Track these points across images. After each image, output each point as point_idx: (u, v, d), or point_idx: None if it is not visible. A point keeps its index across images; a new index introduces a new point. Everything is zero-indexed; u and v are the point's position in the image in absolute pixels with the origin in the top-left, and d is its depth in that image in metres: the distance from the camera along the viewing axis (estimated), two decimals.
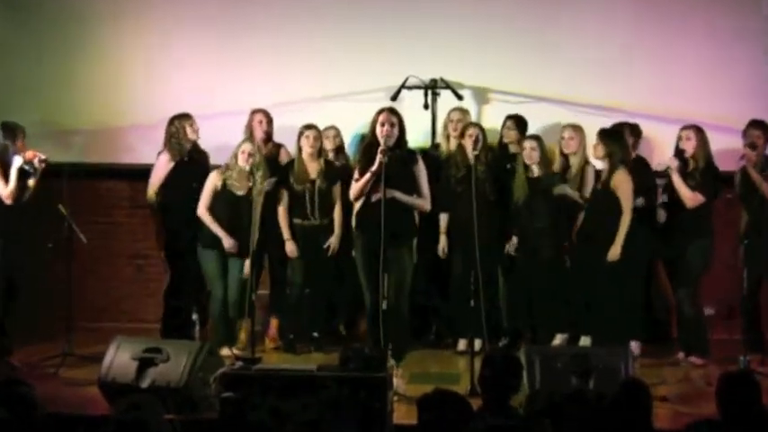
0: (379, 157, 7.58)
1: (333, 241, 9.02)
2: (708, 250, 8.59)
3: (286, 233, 9.03)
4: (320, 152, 9.08)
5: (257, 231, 8.69)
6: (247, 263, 8.72)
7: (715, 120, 9.16)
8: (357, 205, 8.05)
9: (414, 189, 7.87)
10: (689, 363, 8.56)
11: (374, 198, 7.70)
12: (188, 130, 9.04)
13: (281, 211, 9.06)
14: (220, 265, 8.85)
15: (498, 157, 9.16)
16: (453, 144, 9.20)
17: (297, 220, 9.06)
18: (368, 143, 7.85)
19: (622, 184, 8.56)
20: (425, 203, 7.97)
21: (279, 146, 9.41)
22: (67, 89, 10.08)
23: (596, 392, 6.22)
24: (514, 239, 8.97)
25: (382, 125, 7.74)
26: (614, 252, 8.54)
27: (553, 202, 8.84)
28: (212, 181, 8.86)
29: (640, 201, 8.74)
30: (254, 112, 9.33)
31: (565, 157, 9.03)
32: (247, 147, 8.80)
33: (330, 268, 9.10)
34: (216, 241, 8.81)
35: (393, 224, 7.58)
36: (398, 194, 7.74)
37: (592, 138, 8.90)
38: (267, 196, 8.94)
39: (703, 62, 9.54)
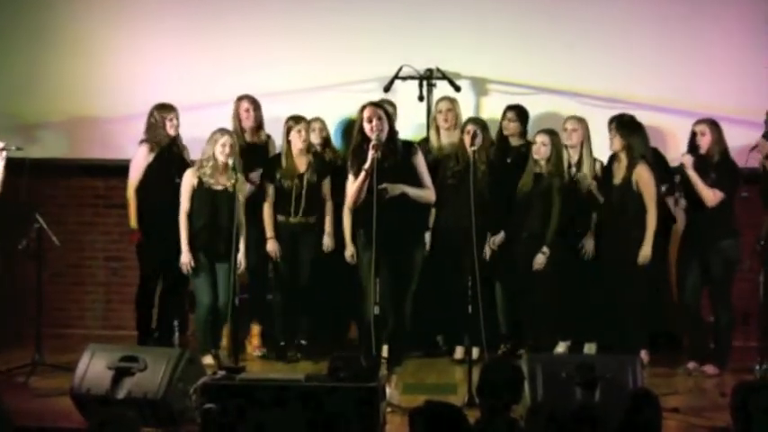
0: (371, 154, 7.58)
1: (326, 240, 9.03)
2: (734, 252, 8.57)
3: (269, 231, 9.04)
4: (309, 145, 9.11)
5: (243, 230, 8.73)
6: (240, 256, 8.73)
7: (733, 113, 9.20)
8: (348, 207, 8.06)
9: (416, 181, 7.86)
10: (701, 372, 8.59)
11: (386, 197, 7.65)
12: (167, 124, 9.02)
13: (266, 208, 9.06)
14: (207, 269, 8.81)
15: (498, 152, 9.17)
16: (444, 136, 9.20)
17: (281, 217, 9.06)
18: (357, 143, 7.85)
19: (644, 181, 8.57)
20: (431, 194, 7.99)
21: (268, 136, 9.44)
22: (34, 78, 10.06)
23: (603, 405, 6.26)
24: (500, 235, 8.98)
25: (369, 121, 7.75)
26: (645, 254, 8.55)
27: (552, 203, 8.84)
28: (188, 180, 8.81)
29: (683, 203, 8.79)
30: (240, 99, 9.33)
31: (566, 150, 9.04)
32: (228, 140, 8.79)
33: (313, 270, 9.09)
34: (200, 244, 8.78)
35: (401, 223, 7.57)
36: (406, 188, 7.74)
37: (595, 130, 8.92)
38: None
39: (722, 51, 9.54)
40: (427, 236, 8.98)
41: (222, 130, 8.85)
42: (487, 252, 8.93)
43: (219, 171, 8.71)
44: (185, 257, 8.76)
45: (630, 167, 8.60)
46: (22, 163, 8.70)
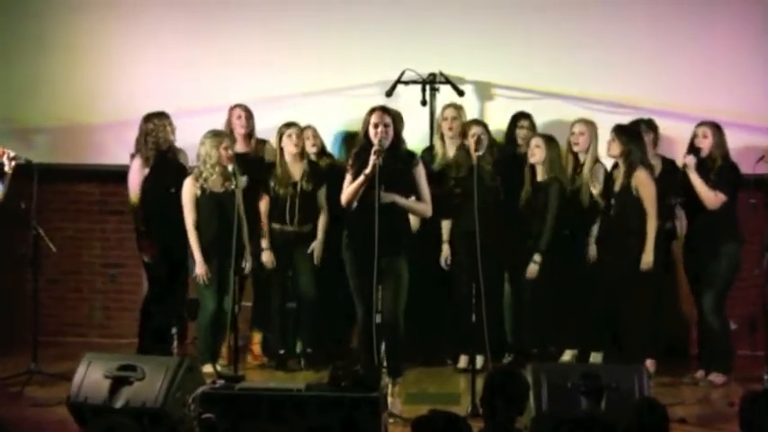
0: (372, 159, 7.56)
1: (316, 247, 9.05)
2: (735, 257, 8.57)
3: (264, 242, 9.07)
4: (303, 152, 9.12)
5: (244, 235, 8.74)
6: (247, 254, 8.81)
7: (737, 117, 9.20)
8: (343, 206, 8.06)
9: (413, 192, 7.85)
10: (709, 381, 8.57)
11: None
12: (168, 129, 9.02)
13: (262, 218, 9.08)
14: (216, 279, 8.73)
15: (508, 160, 9.17)
16: (449, 145, 9.20)
17: (276, 225, 9.08)
18: (360, 146, 7.83)
19: (644, 185, 8.56)
20: (427, 208, 7.94)
21: (263, 142, 9.43)
22: (31, 83, 10.07)
23: (609, 415, 6.25)
24: (533, 267, 8.92)
25: (375, 126, 7.70)
26: (647, 260, 8.53)
27: (561, 208, 8.86)
28: (190, 191, 8.76)
29: (674, 201, 8.85)
30: (233, 107, 9.34)
31: (574, 154, 9.06)
32: (228, 141, 8.77)
33: (314, 277, 9.11)
34: (210, 250, 8.71)
35: (388, 231, 7.56)
36: (398, 198, 7.72)
37: (603, 135, 8.92)
38: (244, 198, 8.92)
39: (724, 56, 9.54)
40: (446, 249, 9.05)
41: (218, 132, 8.86)
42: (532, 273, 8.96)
43: (220, 174, 8.69)
44: (201, 269, 8.70)
45: (629, 173, 8.60)
46: (17, 168, 8.69)
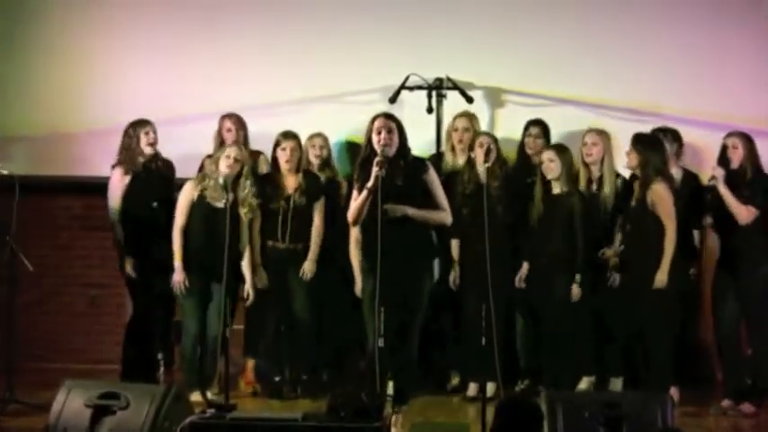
0: (374, 171, 7.52)
1: (306, 266, 9.01)
2: None
3: (257, 258, 9.03)
4: (299, 164, 9.06)
5: (246, 253, 8.77)
6: (248, 286, 8.82)
7: (756, 124, 9.16)
8: (355, 230, 8.00)
9: (427, 202, 7.80)
10: (737, 411, 8.51)
11: (384, 218, 7.59)
12: (142, 140, 8.99)
13: (255, 233, 9.03)
14: (198, 294, 8.74)
15: (518, 171, 9.12)
16: (460, 157, 9.18)
17: (269, 242, 9.04)
18: (365, 156, 7.79)
19: (661, 198, 8.51)
20: (445, 216, 7.90)
21: (258, 153, 9.41)
22: (9, 91, 10.09)
23: None
24: (524, 268, 8.96)
25: (378, 133, 7.68)
26: (661, 278, 8.47)
27: (573, 225, 8.80)
28: (187, 193, 8.77)
29: (709, 220, 8.81)
30: (223, 117, 9.33)
31: (586, 166, 9.01)
32: (234, 151, 8.75)
33: (309, 299, 9.06)
34: (194, 264, 8.70)
35: (407, 246, 7.53)
36: (410, 210, 7.67)
37: (618, 144, 8.87)
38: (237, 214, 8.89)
39: (754, 59, 9.52)
40: (456, 269, 9.03)
41: (228, 144, 8.91)
42: (520, 281, 8.98)
43: (222, 186, 8.62)
44: (179, 276, 8.68)
45: (645, 185, 8.54)
46: None
